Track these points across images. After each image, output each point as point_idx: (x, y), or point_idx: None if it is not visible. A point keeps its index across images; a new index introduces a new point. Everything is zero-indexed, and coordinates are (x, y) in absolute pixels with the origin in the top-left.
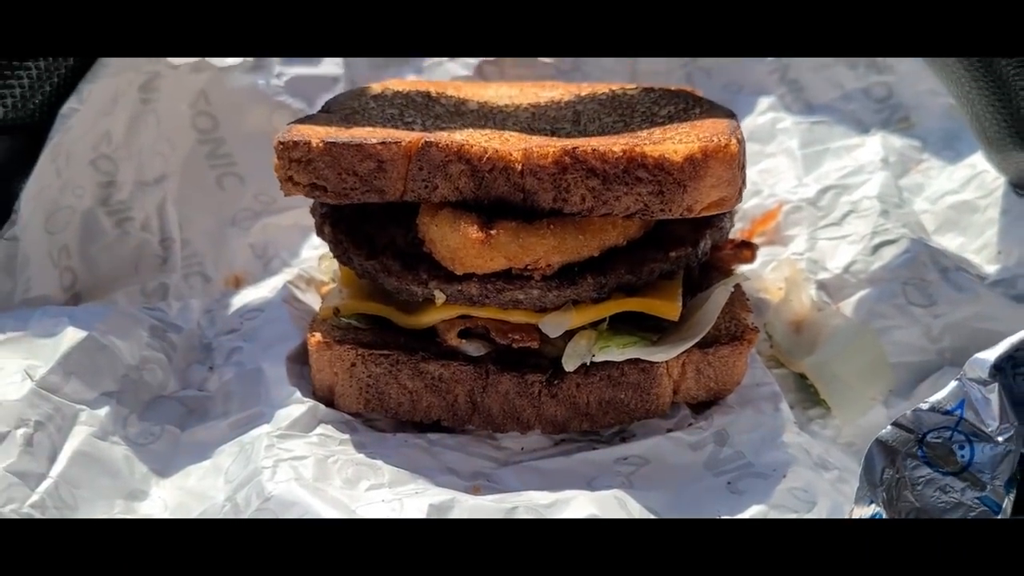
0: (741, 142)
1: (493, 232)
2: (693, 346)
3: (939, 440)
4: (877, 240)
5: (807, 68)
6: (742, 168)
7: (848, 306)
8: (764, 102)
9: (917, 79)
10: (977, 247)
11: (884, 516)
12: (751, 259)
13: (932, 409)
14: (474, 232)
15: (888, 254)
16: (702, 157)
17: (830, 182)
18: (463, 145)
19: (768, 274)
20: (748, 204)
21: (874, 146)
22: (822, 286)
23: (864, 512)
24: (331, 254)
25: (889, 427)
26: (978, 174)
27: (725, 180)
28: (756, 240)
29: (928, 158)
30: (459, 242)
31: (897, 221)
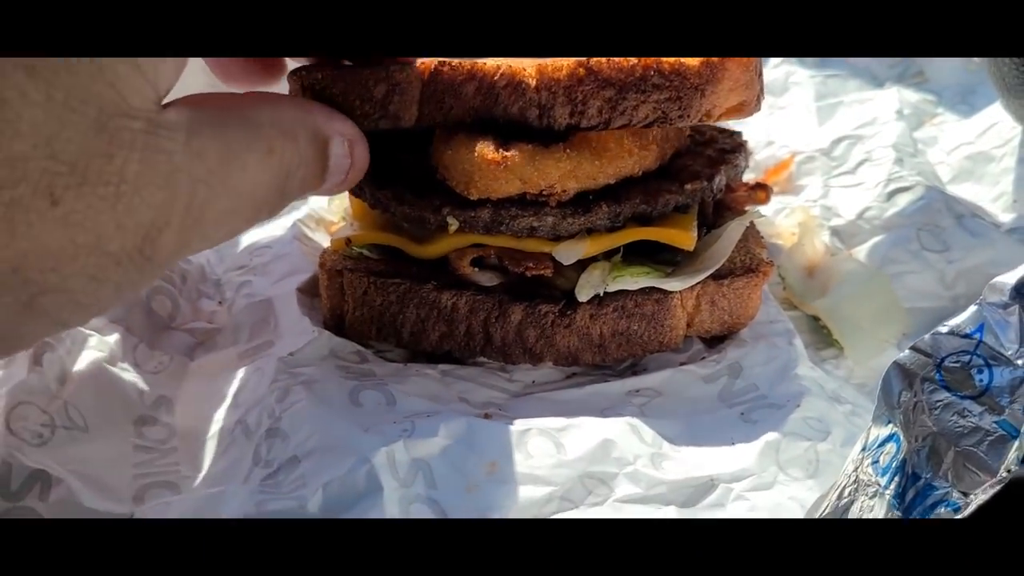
0: None
1: (508, 154)
2: (708, 278)
3: (957, 364)
4: (892, 187)
5: None
6: (759, 75)
7: (862, 252)
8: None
9: None
10: (993, 196)
11: (901, 437)
12: (765, 200)
13: (951, 332)
14: (490, 153)
15: (903, 201)
16: (719, 59)
17: (844, 132)
18: (476, 64)
19: (781, 220)
20: (760, 155)
21: (889, 99)
22: (835, 232)
23: (882, 432)
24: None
25: (907, 351)
26: (994, 124)
27: (743, 83)
28: None
29: (943, 112)
30: (474, 164)
31: (912, 169)
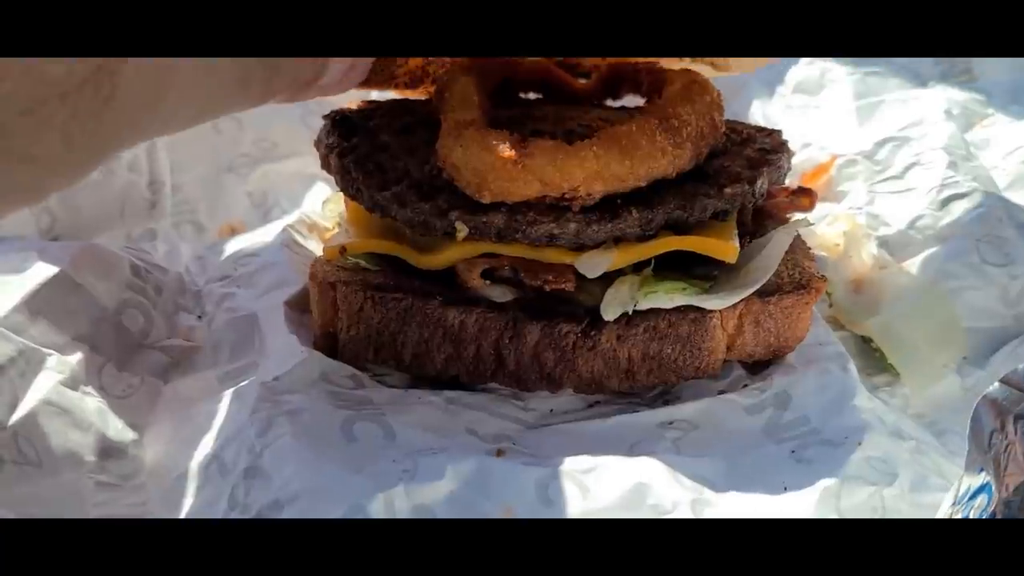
0: None
1: (527, 151)
2: (752, 295)
3: None
4: (946, 193)
5: None
6: None
7: (914, 264)
8: None
9: None
10: None
11: (993, 488)
12: (810, 207)
13: None
14: (506, 151)
15: (958, 209)
16: None
17: (888, 134)
18: None
19: (824, 229)
20: (798, 158)
21: (935, 98)
22: (884, 243)
23: (974, 481)
24: (335, 197)
25: (997, 384)
26: None
27: None
28: None
29: (994, 113)
30: (488, 163)
31: (967, 174)
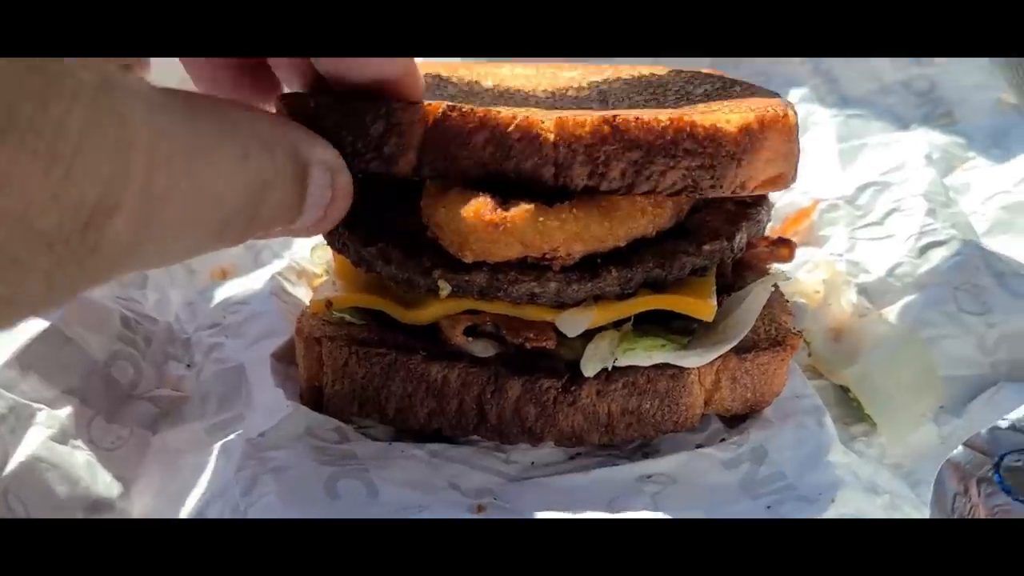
0: (796, 115)
1: (508, 214)
2: (728, 351)
3: (1019, 463)
4: (924, 241)
5: (841, 59)
6: (798, 144)
7: (893, 312)
8: (796, 93)
9: (961, 72)
10: None
11: None
12: (789, 257)
13: (1012, 427)
14: (487, 213)
15: (937, 256)
16: (759, 127)
17: (869, 179)
18: (489, 112)
19: (804, 276)
20: (780, 202)
21: (916, 142)
22: (863, 290)
23: None
24: (324, 243)
25: (961, 447)
26: None
27: (782, 154)
28: None
29: (974, 156)
30: (470, 225)
31: (946, 221)
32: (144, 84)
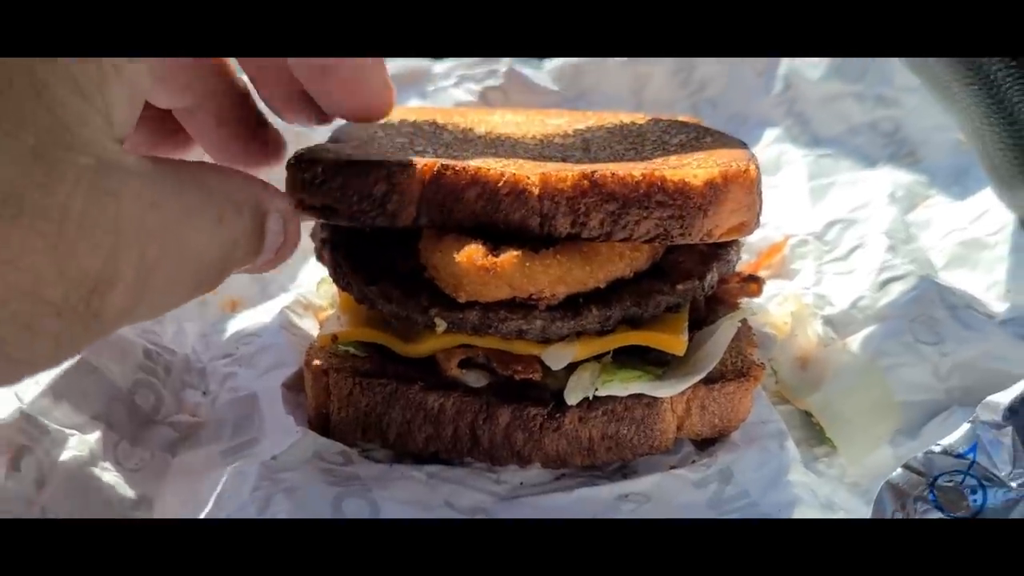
0: (758, 169)
1: (498, 260)
2: (698, 382)
3: (951, 484)
4: (884, 276)
5: (814, 101)
6: (760, 194)
7: (855, 342)
8: (770, 134)
9: (924, 114)
10: (986, 285)
11: None
12: (758, 293)
13: (944, 452)
14: (479, 259)
15: (895, 290)
16: (722, 182)
17: (837, 216)
18: (479, 170)
19: (774, 308)
20: (754, 237)
21: (881, 180)
22: (828, 321)
23: None
24: (330, 279)
25: (900, 469)
26: (987, 211)
27: (744, 205)
28: (762, 273)
29: (936, 194)
30: (463, 269)
31: (905, 257)
32: (136, 162)
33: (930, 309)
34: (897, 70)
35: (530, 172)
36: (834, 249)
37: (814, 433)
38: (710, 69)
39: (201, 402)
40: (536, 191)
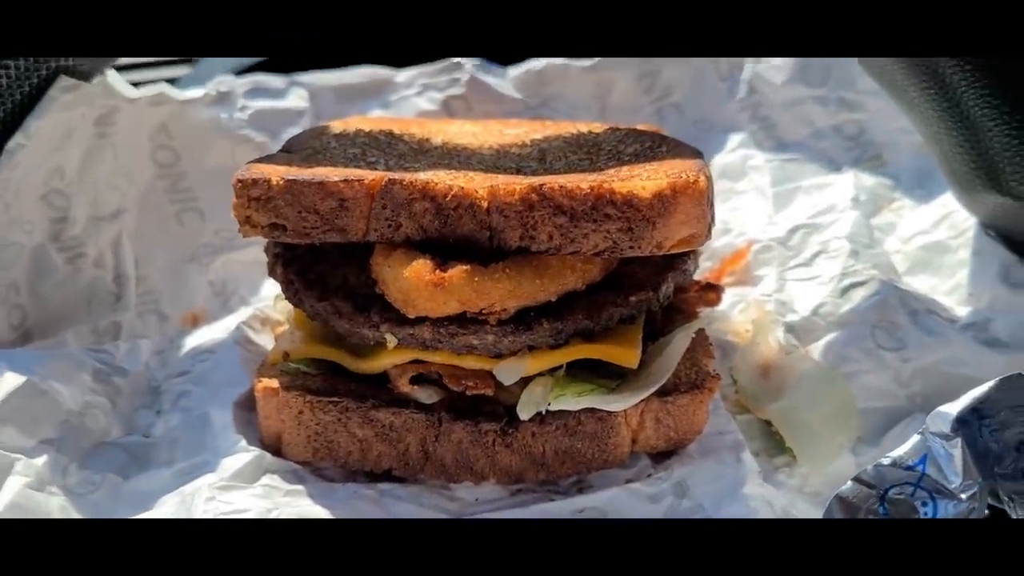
0: (709, 179)
1: (447, 274)
2: (652, 394)
3: (901, 496)
4: (846, 282)
5: (778, 105)
6: (711, 205)
7: (816, 349)
8: (735, 139)
9: (888, 117)
10: (948, 288)
11: None
12: (717, 302)
13: (894, 464)
14: (427, 274)
15: (857, 296)
16: (671, 193)
17: (800, 221)
18: (428, 183)
19: (736, 316)
20: (718, 243)
21: (845, 184)
22: (790, 328)
23: None
24: None
25: (850, 482)
26: (949, 214)
27: (694, 217)
28: (725, 280)
29: (900, 197)
30: (411, 284)
31: (867, 262)
32: None
33: (892, 315)
34: (859, 74)
35: (479, 185)
36: (797, 255)
37: (774, 443)
38: (674, 74)
39: (154, 421)
40: (485, 204)
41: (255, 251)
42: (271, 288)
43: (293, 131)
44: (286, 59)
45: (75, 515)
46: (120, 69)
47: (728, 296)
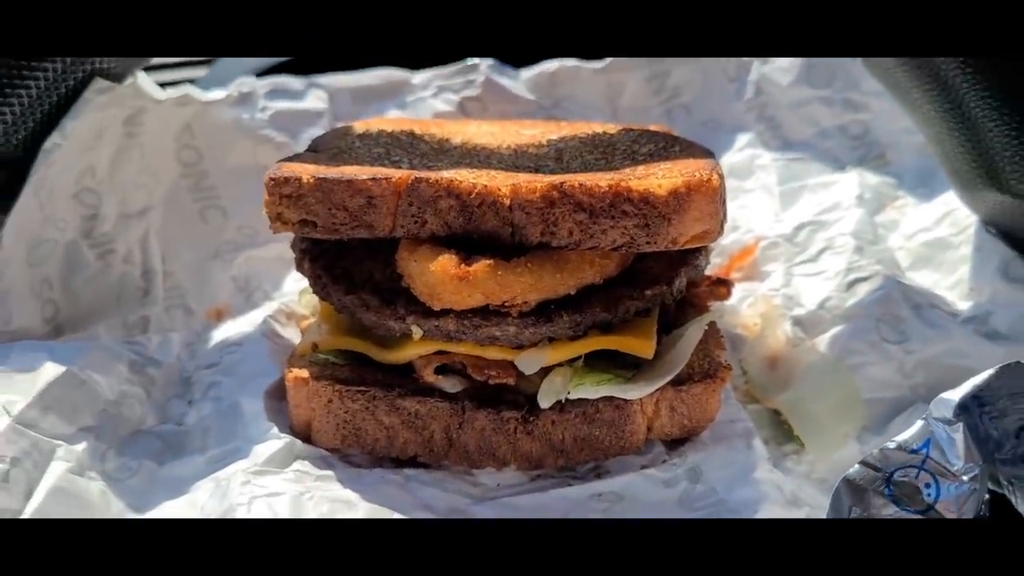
0: (722, 178)
1: (471, 268)
2: (667, 383)
3: (906, 479)
4: (851, 277)
5: (784, 106)
6: (723, 203)
7: (823, 342)
8: (742, 139)
9: (893, 117)
10: (950, 284)
11: None
12: (727, 296)
13: (899, 448)
14: (452, 268)
15: (862, 291)
16: (686, 191)
17: (806, 218)
18: (452, 181)
19: (745, 310)
20: (726, 240)
21: (850, 183)
22: (797, 322)
23: None
24: (309, 288)
25: (857, 466)
26: (951, 211)
27: (708, 213)
28: (734, 275)
29: (904, 195)
30: (437, 278)
31: (871, 258)
32: None
33: (895, 308)
34: (864, 75)
35: (502, 183)
36: (804, 251)
37: (783, 432)
38: (683, 76)
39: (186, 411)
40: (507, 202)
41: (277, 248)
42: (293, 284)
43: (313, 131)
44: (306, 61)
45: (114, 499)
46: (144, 70)
47: (737, 291)
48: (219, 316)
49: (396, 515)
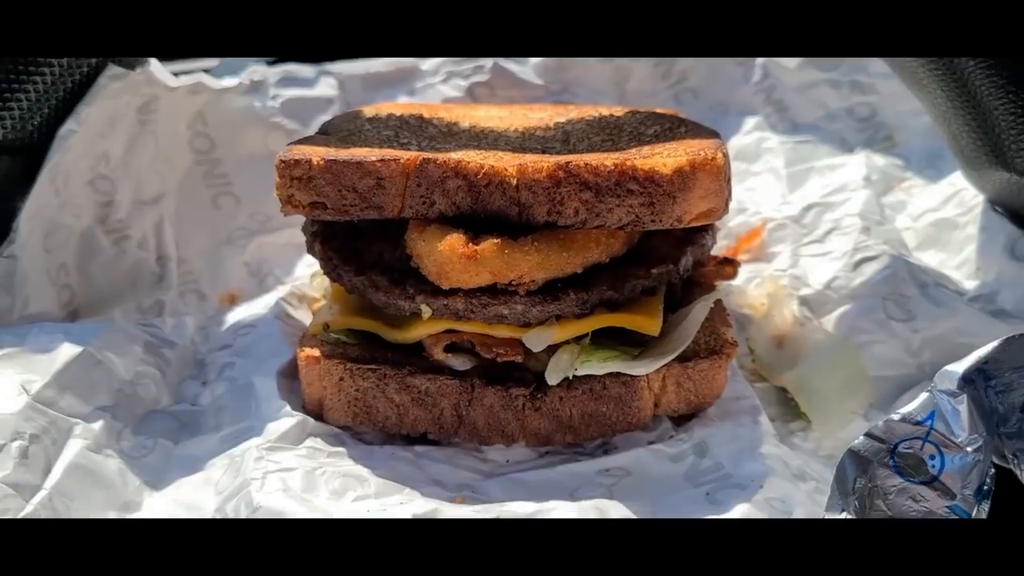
0: (726, 156)
1: (479, 248)
2: (673, 360)
3: (910, 450)
4: (858, 256)
5: (791, 89)
6: (728, 181)
7: (829, 321)
8: (750, 122)
9: (900, 99)
10: (957, 263)
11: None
12: (733, 275)
13: (903, 420)
14: (460, 247)
15: (869, 270)
16: (690, 169)
17: (814, 200)
18: (460, 161)
19: (752, 290)
20: (733, 222)
21: (857, 165)
22: (804, 302)
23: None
24: (322, 271)
25: (862, 437)
26: (958, 192)
27: (712, 192)
28: (741, 257)
29: (911, 176)
30: (446, 257)
31: (878, 238)
32: None
33: (902, 287)
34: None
35: (509, 164)
36: (811, 232)
37: (790, 409)
38: (690, 60)
39: (200, 391)
40: (514, 181)
41: (288, 233)
42: (304, 268)
43: (323, 118)
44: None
45: (131, 476)
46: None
47: (744, 272)
48: (232, 301)
49: (407, 490)
